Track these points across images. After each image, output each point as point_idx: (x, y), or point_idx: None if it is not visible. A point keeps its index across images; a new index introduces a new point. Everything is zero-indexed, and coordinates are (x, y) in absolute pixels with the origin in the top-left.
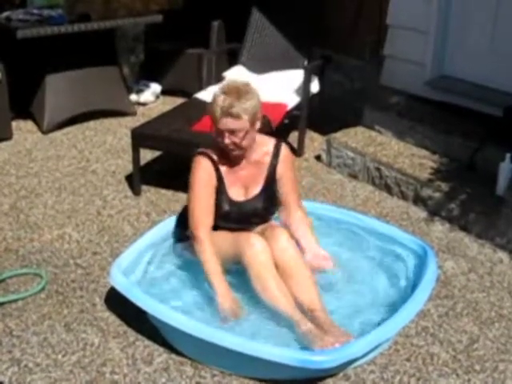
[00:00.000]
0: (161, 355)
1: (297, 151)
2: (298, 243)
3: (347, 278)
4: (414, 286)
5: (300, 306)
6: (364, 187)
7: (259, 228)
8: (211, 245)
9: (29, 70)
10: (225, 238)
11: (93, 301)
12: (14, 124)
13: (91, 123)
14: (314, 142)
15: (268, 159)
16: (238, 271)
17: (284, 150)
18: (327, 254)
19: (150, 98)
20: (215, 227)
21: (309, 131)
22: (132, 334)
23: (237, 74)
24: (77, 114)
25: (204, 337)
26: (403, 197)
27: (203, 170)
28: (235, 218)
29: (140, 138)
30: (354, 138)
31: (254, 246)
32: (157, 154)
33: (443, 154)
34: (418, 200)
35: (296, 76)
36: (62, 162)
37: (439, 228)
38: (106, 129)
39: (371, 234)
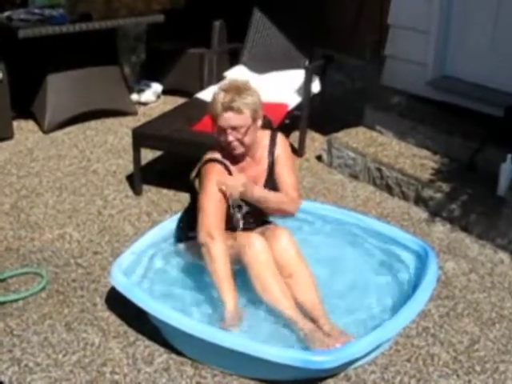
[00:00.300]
0: (161, 355)
1: (298, 151)
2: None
3: (347, 279)
4: (414, 286)
5: (300, 307)
6: (365, 187)
7: (260, 228)
8: (226, 248)
9: (30, 69)
10: (226, 238)
11: (93, 300)
12: (15, 123)
13: (92, 123)
14: (315, 142)
15: (266, 152)
16: (238, 271)
17: (279, 138)
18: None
19: (151, 97)
20: None
21: (310, 131)
22: (132, 334)
23: (238, 73)
24: (78, 113)
25: (205, 337)
26: (404, 197)
27: (217, 175)
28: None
29: (141, 137)
30: (355, 138)
31: (254, 246)
32: (158, 153)
33: (444, 155)
34: (419, 200)
35: (297, 76)
36: (63, 162)
37: (440, 228)
38: (107, 128)
39: (372, 234)
